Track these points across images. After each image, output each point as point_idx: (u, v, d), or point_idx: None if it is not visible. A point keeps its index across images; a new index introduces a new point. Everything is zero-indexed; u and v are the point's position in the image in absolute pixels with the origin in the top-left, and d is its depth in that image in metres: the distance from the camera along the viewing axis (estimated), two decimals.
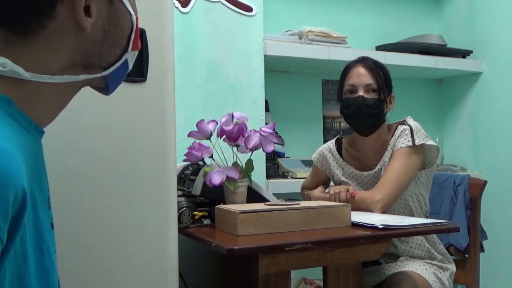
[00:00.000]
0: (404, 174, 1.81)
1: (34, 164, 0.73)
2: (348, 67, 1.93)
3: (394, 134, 1.90)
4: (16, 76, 0.70)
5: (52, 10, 0.70)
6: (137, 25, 0.82)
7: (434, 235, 1.93)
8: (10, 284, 0.64)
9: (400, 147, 1.84)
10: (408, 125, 1.89)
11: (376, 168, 1.91)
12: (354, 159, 2.00)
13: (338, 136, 2.11)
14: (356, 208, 1.75)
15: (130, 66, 0.84)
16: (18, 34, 0.70)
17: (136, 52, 0.84)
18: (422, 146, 1.86)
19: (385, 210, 1.76)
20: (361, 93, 1.85)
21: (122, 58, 0.81)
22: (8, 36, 0.70)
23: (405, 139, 1.85)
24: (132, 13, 0.81)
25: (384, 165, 1.88)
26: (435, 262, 1.87)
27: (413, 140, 1.83)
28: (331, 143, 2.06)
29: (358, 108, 1.85)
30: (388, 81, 1.91)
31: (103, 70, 0.79)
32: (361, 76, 1.86)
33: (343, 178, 1.99)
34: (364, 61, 1.91)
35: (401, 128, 1.89)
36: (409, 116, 1.96)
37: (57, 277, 0.77)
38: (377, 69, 1.88)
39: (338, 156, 2.01)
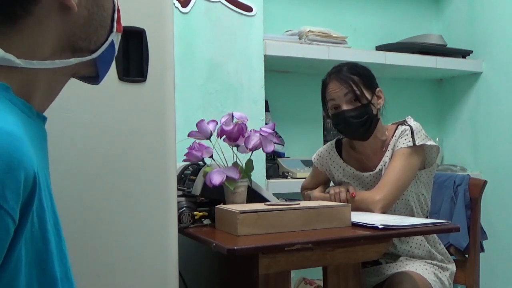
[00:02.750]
0: (405, 174, 1.81)
1: (42, 149, 0.74)
2: (324, 83, 1.92)
3: (395, 134, 1.90)
4: (8, 64, 0.70)
5: None
6: (118, 5, 0.83)
7: (435, 235, 1.93)
8: (29, 268, 0.64)
9: (401, 147, 1.84)
10: (409, 125, 1.89)
11: (377, 169, 1.91)
12: (354, 160, 2.00)
13: (338, 137, 2.10)
14: (356, 208, 1.75)
15: (116, 49, 0.85)
16: (4, 23, 0.71)
17: (120, 35, 0.85)
18: (423, 146, 1.86)
19: (385, 210, 1.76)
20: (343, 107, 1.84)
21: (108, 39, 0.82)
22: None
23: (405, 139, 1.85)
24: None
25: (384, 165, 1.88)
26: (435, 262, 1.87)
27: (414, 141, 1.83)
28: (331, 144, 2.06)
29: (346, 122, 1.85)
30: (368, 81, 1.88)
31: (92, 54, 0.80)
32: (337, 91, 1.85)
33: (344, 179, 1.99)
34: (336, 72, 1.88)
35: (401, 128, 1.89)
36: (409, 116, 1.95)
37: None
38: (351, 76, 1.85)
39: (338, 157, 2.01)
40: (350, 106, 1.84)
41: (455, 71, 3.05)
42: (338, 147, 2.04)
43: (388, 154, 1.89)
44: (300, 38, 2.57)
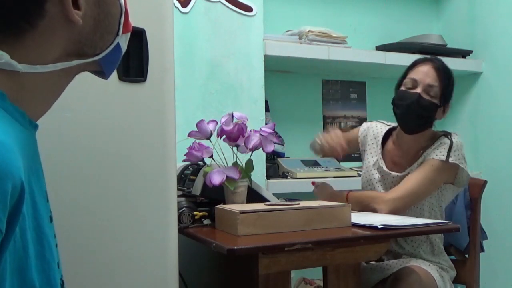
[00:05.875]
0: (425, 186, 1.79)
1: (31, 157, 0.73)
2: (416, 62, 1.90)
3: (434, 144, 1.86)
4: (11, 68, 0.70)
5: (41, 9, 0.70)
6: (126, 7, 0.82)
7: (442, 248, 1.92)
8: (11, 276, 0.64)
9: (433, 158, 1.81)
10: (450, 139, 1.84)
11: (405, 172, 1.88)
12: (390, 155, 1.96)
13: (392, 126, 2.02)
14: (362, 206, 1.75)
15: (124, 49, 0.84)
16: (9, 35, 0.70)
17: (129, 34, 0.84)
18: (454, 166, 1.82)
19: (392, 213, 1.74)
20: (419, 90, 1.82)
21: (113, 43, 0.81)
22: None
23: (440, 152, 1.81)
24: None
25: (412, 171, 1.86)
26: (436, 263, 1.87)
27: (448, 156, 1.79)
28: (385, 129, 2.00)
29: (412, 104, 1.81)
30: (451, 90, 1.87)
31: (95, 57, 0.79)
32: (427, 75, 1.83)
33: (371, 167, 1.96)
34: (434, 61, 1.88)
35: (442, 140, 1.86)
36: (456, 133, 1.92)
37: (60, 271, 0.77)
38: (446, 73, 1.84)
39: (380, 144, 1.98)
40: (426, 97, 1.82)
41: (455, 71, 2.98)
42: (387, 135, 2.00)
43: (420, 160, 1.86)
44: (300, 38, 2.56)
